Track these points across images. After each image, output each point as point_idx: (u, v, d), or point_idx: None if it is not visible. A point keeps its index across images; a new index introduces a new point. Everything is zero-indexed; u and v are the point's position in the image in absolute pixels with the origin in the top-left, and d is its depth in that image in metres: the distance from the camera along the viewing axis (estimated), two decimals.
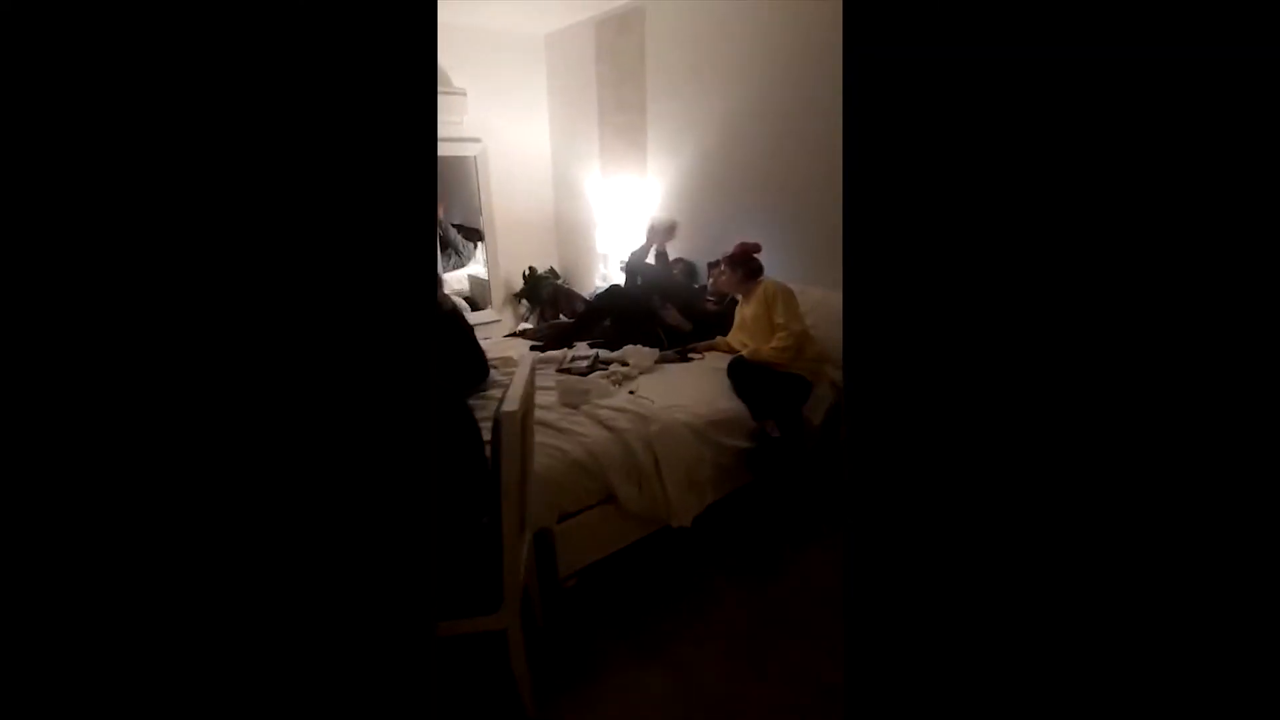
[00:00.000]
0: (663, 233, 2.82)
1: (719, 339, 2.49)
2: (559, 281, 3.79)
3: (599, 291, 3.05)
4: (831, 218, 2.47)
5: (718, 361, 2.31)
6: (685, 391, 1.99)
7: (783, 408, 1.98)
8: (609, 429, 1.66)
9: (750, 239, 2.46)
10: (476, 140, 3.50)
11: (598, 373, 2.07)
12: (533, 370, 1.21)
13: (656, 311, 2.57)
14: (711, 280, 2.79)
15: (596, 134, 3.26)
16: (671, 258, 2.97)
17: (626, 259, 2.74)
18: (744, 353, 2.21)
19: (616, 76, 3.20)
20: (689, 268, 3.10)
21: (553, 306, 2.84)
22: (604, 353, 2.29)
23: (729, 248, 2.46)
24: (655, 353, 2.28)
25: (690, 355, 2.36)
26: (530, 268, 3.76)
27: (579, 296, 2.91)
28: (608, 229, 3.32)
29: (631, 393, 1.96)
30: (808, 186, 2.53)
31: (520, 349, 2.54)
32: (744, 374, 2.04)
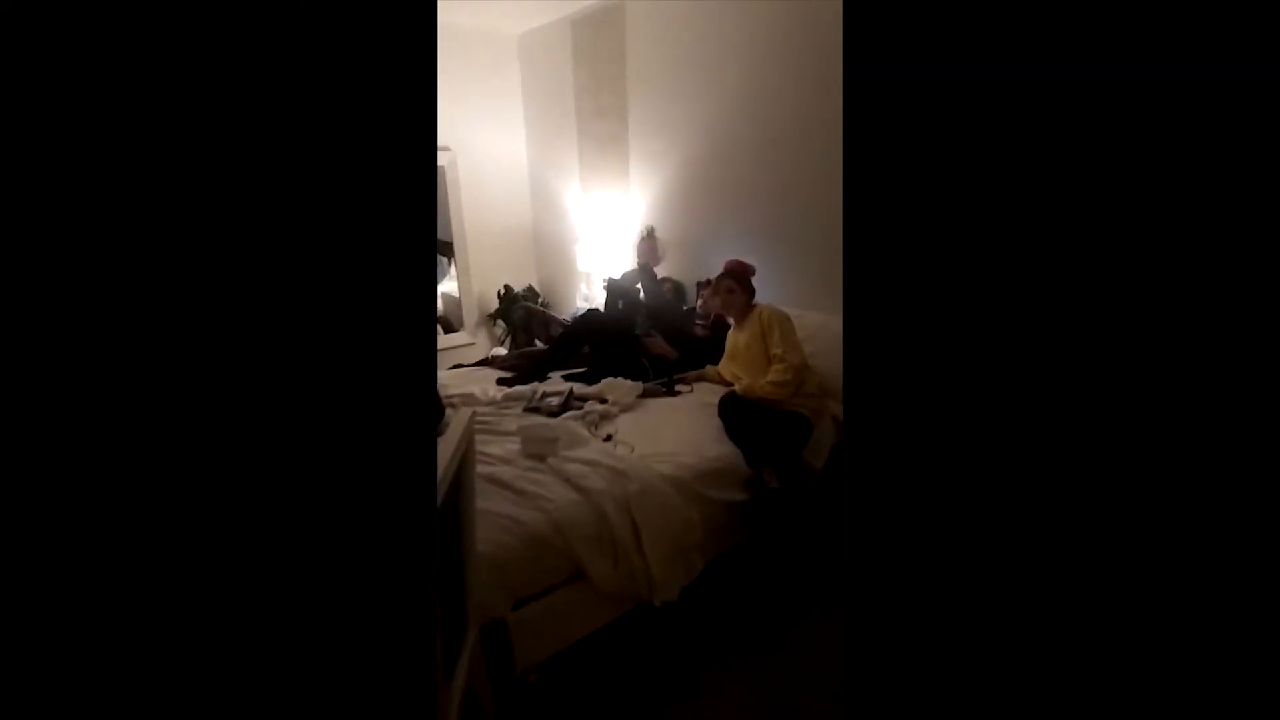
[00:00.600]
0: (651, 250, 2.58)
1: (709, 368, 2.24)
2: (538, 302, 3.53)
3: (578, 314, 2.80)
4: (831, 235, 2.23)
5: (708, 394, 2.06)
6: (671, 435, 1.73)
7: (781, 452, 1.73)
8: (579, 489, 1.39)
9: (742, 259, 2.23)
10: (445, 149, 3.25)
11: (571, 413, 1.81)
12: (468, 435, 0.95)
13: (640, 338, 2.32)
14: (701, 302, 2.54)
15: (575, 143, 3.03)
16: (659, 276, 2.72)
17: (608, 280, 2.49)
18: (736, 387, 1.96)
19: (595, 82, 2.97)
20: (677, 288, 2.85)
21: (526, 331, 2.58)
22: (580, 387, 2.03)
23: (719, 267, 2.22)
24: (638, 386, 2.02)
25: (677, 388, 2.11)
26: (506, 286, 3.50)
27: (556, 320, 2.65)
28: (589, 245, 3.08)
29: (609, 438, 1.70)
30: (805, 200, 2.30)
31: (488, 380, 2.27)
32: (737, 413, 1.78)
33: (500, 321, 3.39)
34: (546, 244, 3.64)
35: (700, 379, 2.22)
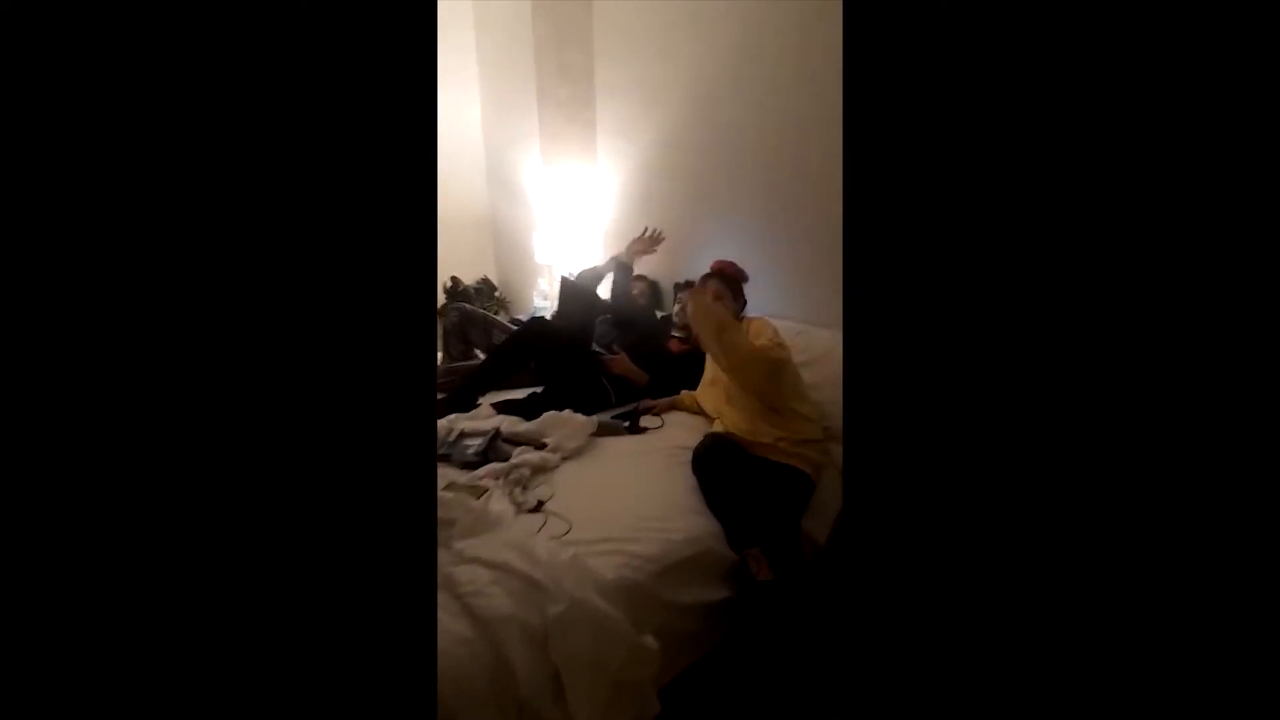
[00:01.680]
0: (645, 245, 2.08)
1: (684, 395, 1.77)
2: (491, 300, 3.02)
3: (532, 318, 2.31)
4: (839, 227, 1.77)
5: (682, 432, 1.59)
6: (627, 503, 1.27)
7: (774, 525, 1.27)
8: (472, 616, 0.92)
9: (729, 257, 1.75)
10: None
11: (490, 466, 1.34)
12: None
13: (600, 355, 1.83)
14: (679, 308, 2.07)
15: (535, 108, 2.51)
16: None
17: (563, 277, 2.00)
18: (717, 427, 1.49)
19: (557, 35, 2.45)
20: (652, 289, 2.37)
21: (461, 339, 2.09)
22: (512, 423, 1.55)
23: (703, 268, 1.74)
24: (590, 424, 1.54)
25: (644, 423, 1.64)
26: (453, 278, 2.98)
27: (500, 325, 2.16)
28: (550, 232, 2.58)
29: (539, 506, 1.23)
30: (813, 186, 1.82)
31: None
32: (717, 470, 1.32)
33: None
34: (506, 229, 3.12)
35: (674, 407, 1.76)
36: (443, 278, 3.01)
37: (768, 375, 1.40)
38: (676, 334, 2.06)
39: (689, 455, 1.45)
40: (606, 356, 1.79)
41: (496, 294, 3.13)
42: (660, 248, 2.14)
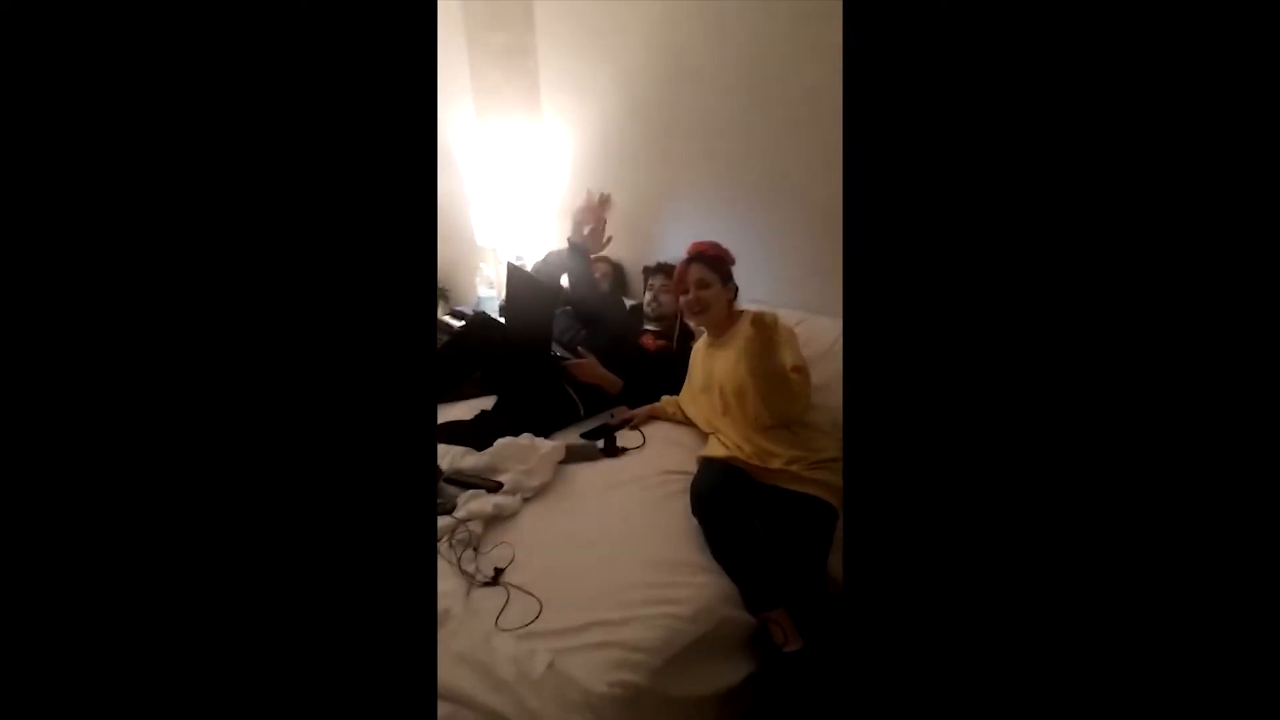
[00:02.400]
0: (589, 215, 1.75)
1: (665, 402, 1.49)
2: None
3: (475, 312, 1.95)
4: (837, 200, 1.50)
5: (672, 452, 1.31)
6: (611, 559, 0.98)
7: (798, 574, 1.02)
8: None
9: (710, 236, 1.45)
10: None
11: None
12: None
13: (562, 360, 1.52)
14: (650, 297, 1.77)
15: (465, 59, 2.11)
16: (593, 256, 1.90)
17: (510, 265, 1.65)
18: (713, 448, 1.22)
19: None
20: (615, 273, 2.05)
21: None
22: (454, 457, 1.21)
23: (676, 248, 1.45)
24: (556, 451, 1.24)
25: (620, 445, 1.34)
26: None
27: (438, 325, 1.81)
28: (491, 207, 2.20)
29: (497, 578, 0.93)
30: (802, 143, 1.54)
31: None
32: (724, 512, 1.05)
33: None
34: (442, 207, 2.70)
35: (654, 417, 1.47)
36: None
37: (808, 401, 1.14)
38: (651, 327, 1.77)
39: (681, 483, 1.18)
40: (571, 360, 1.48)
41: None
42: (628, 226, 1.82)
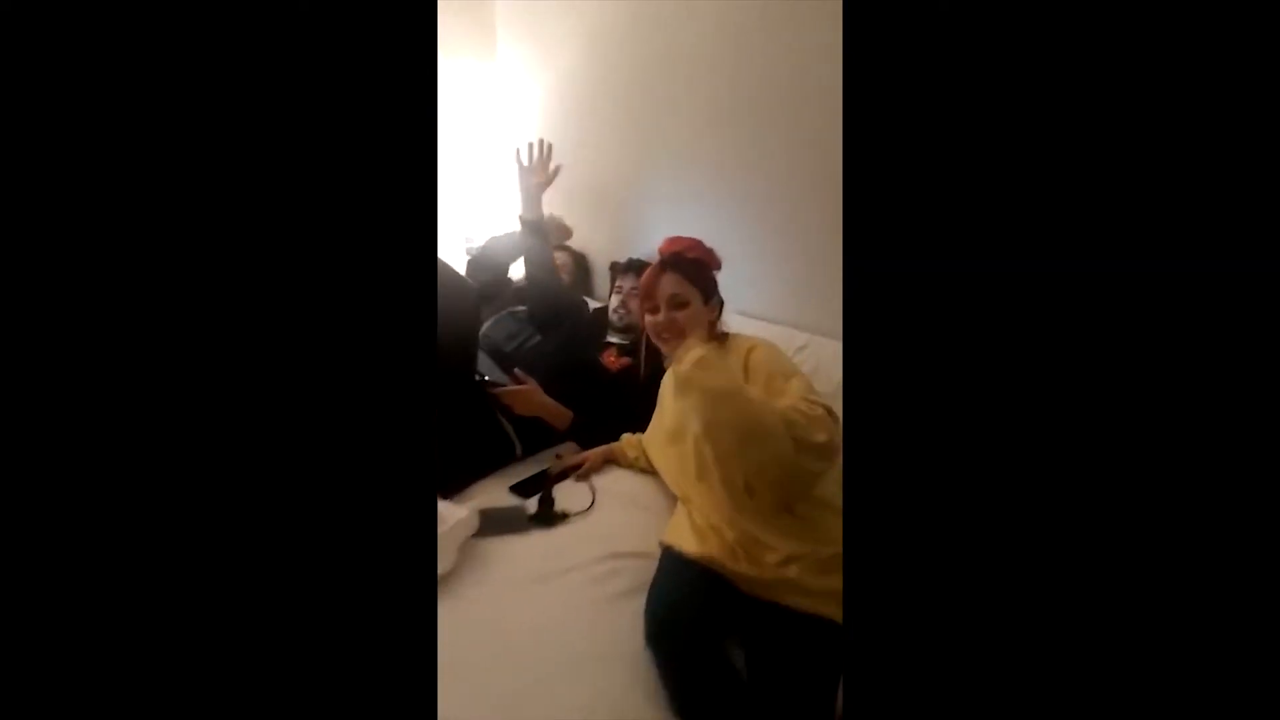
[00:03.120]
0: (536, 176, 1.40)
1: (626, 441, 1.15)
2: None
3: None
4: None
5: (626, 518, 0.99)
6: (533, 692, 0.65)
7: None
8: None
9: (693, 226, 1.11)
10: None
11: None
12: None
13: (490, 386, 1.16)
14: (618, 302, 1.42)
15: None
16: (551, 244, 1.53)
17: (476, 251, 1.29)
18: (682, 533, 0.88)
19: None
20: (577, 264, 1.70)
21: None
22: None
23: (653, 236, 1.09)
24: (466, 524, 0.89)
25: (558, 509, 1.00)
26: None
27: None
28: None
29: None
30: (812, 115, 1.19)
31: None
32: (688, 640, 0.72)
33: None
34: None
35: (609, 461, 1.14)
36: None
37: (821, 466, 0.80)
38: (615, 339, 1.42)
39: (637, 575, 0.85)
40: (504, 389, 1.13)
41: None
42: (594, 210, 1.46)
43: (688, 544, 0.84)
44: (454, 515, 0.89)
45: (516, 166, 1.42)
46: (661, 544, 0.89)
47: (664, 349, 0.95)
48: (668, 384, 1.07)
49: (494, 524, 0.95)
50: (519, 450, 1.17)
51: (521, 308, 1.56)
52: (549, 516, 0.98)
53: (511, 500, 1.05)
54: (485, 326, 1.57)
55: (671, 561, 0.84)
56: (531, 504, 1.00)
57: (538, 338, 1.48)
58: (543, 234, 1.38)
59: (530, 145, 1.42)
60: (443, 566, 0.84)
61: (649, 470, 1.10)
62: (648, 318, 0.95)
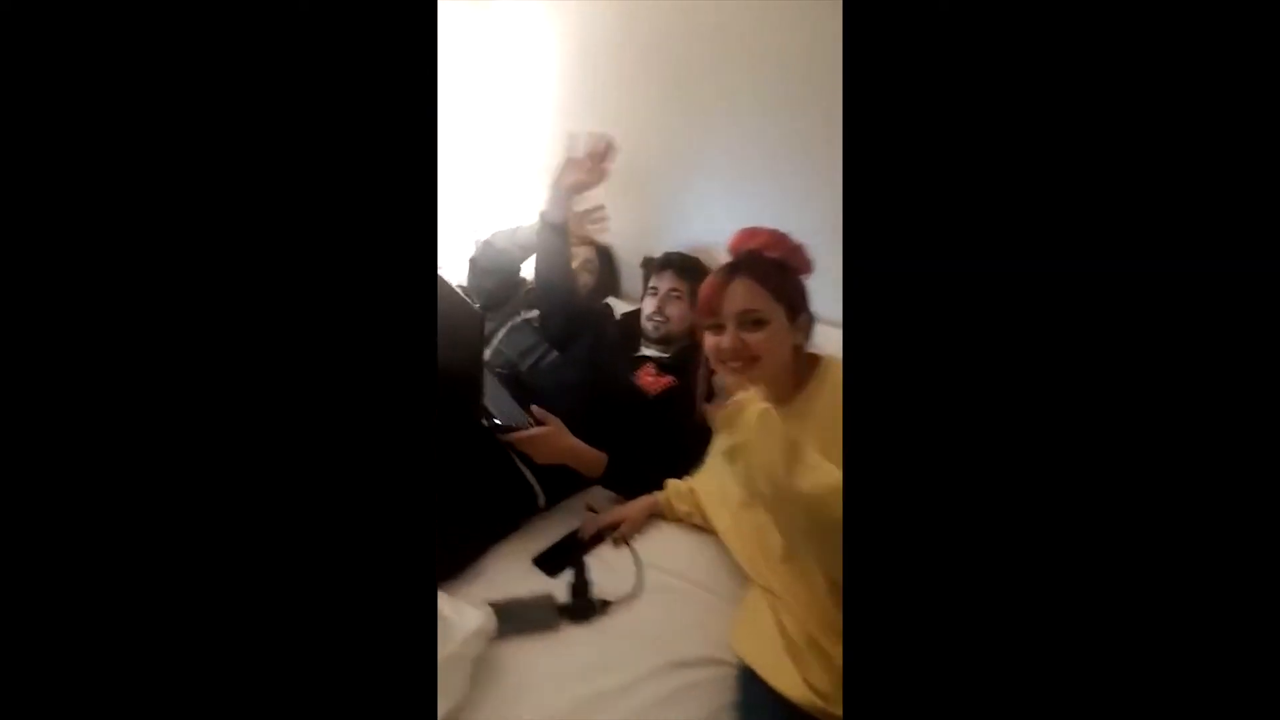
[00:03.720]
0: (584, 171, 1.11)
1: (672, 490, 0.92)
2: None
3: None
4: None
5: (689, 607, 0.76)
6: None
7: None
8: None
9: (754, 206, 0.85)
10: None
11: None
12: None
13: (503, 432, 0.92)
14: (654, 307, 1.17)
15: None
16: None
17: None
18: (777, 662, 0.64)
19: None
20: (600, 263, 1.44)
21: None
22: None
23: (693, 223, 0.84)
24: (482, 630, 0.67)
25: (595, 596, 0.77)
26: None
27: None
28: (442, 161, 1.58)
29: None
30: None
31: None
32: None
33: None
34: None
35: (653, 515, 0.91)
36: None
37: None
38: (652, 352, 1.18)
39: (714, 696, 0.63)
40: (521, 432, 0.89)
41: None
42: (622, 189, 1.19)
43: (780, 672, 0.61)
44: (464, 621, 0.67)
45: (571, 157, 1.10)
46: (741, 664, 0.66)
47: (729, 380, 0.71)
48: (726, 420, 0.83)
49: (515, 620, 0.72)
50: (542, 501, 0.95)
51: (536, 313, 1.33)
52: (585, 606, 0.75)
53: (534, 575, 0.83)
54: (497, 339, 1.34)
55: (757, 694, 0.61)
56: (561, 584, 0.78)
57: (554, 352, 1.24)
58: (564, 236, 1.13)
59: (590, 136, 1.10)
60: (450, 700, 0.62)
61: (703, 524, 0.88)
62: (709, 337, 0.71)
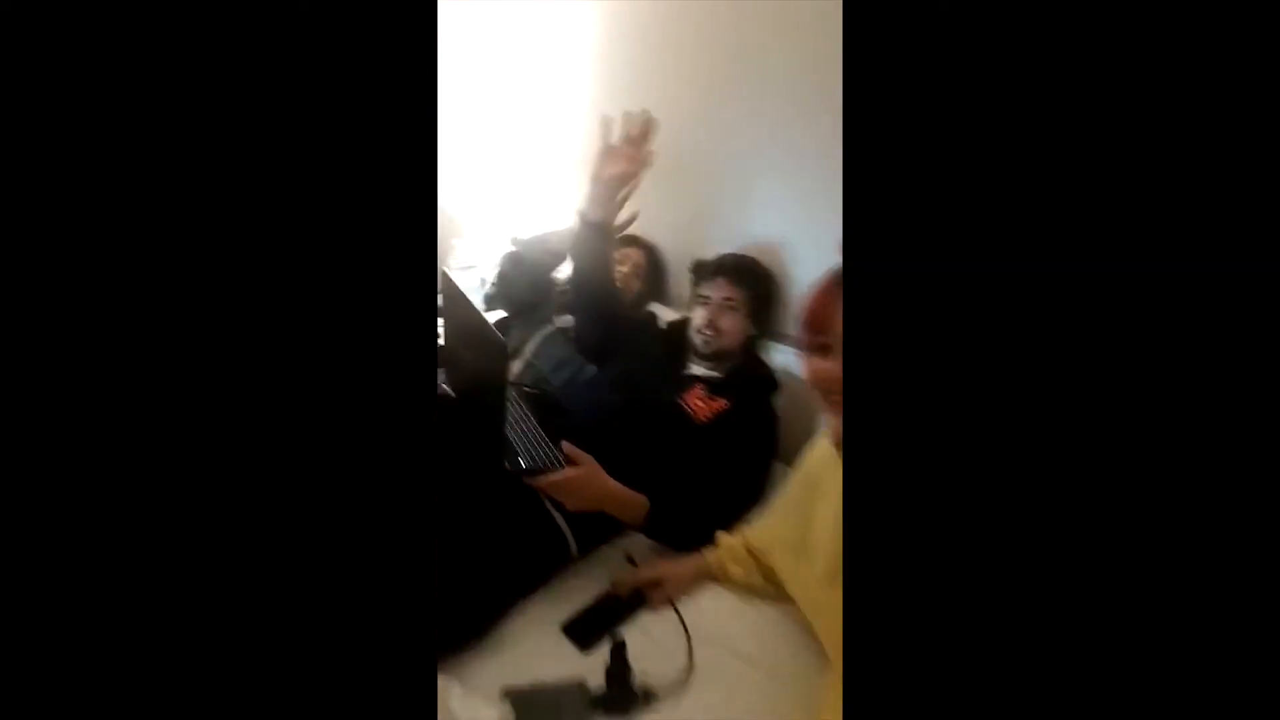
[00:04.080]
0: (623, 162, 0.95)
1: (725, 552, 0.76)
2: None
3: None
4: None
5: (759, 704, 0.62)
6: None
7: None
8: None
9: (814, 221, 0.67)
10: None
11: None
12: None
13: (529, 475, 0.79)
14: (705, 319, 1.02)
15: None
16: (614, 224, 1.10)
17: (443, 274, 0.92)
18: None
19: None
20: (647, 265, 1.28)
21: None
22: None
23: (753, 221, 0.68)
24: None
25: (639, 685, 0.63)
26: None
27: None
28: (466, 155, 1.46)
29: None
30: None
31: None
32: None
33: None
34: None
35: (703, 578, 0.76)
36: None
37: None
38: (702, 370, 1.03)
39: None
40: (551, 476, 0.76)
41: None
42: (668, 182, 1.03)
43: None
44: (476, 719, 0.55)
45: (606, 146, 0.93)
46: None
47: (832, 411, 0.56)
48: (824, 462, 0.68)
49: (539, 715, 0.60)
50: (574, 549, 0.82)
51: (570, 319, 1.19)
52: (625, 697, 0.62)
53: (563, 647, 0.70)
54: (528, 350, 1.21)
55: None
56: (595, 665, 0.65)
57: (589, 367, 1.11)
58: (606, 237, 0.98)
59: (626, 117, 0.92)
60: None
61: (769, 593, 0.73)
62: (813, 361, 0.56)
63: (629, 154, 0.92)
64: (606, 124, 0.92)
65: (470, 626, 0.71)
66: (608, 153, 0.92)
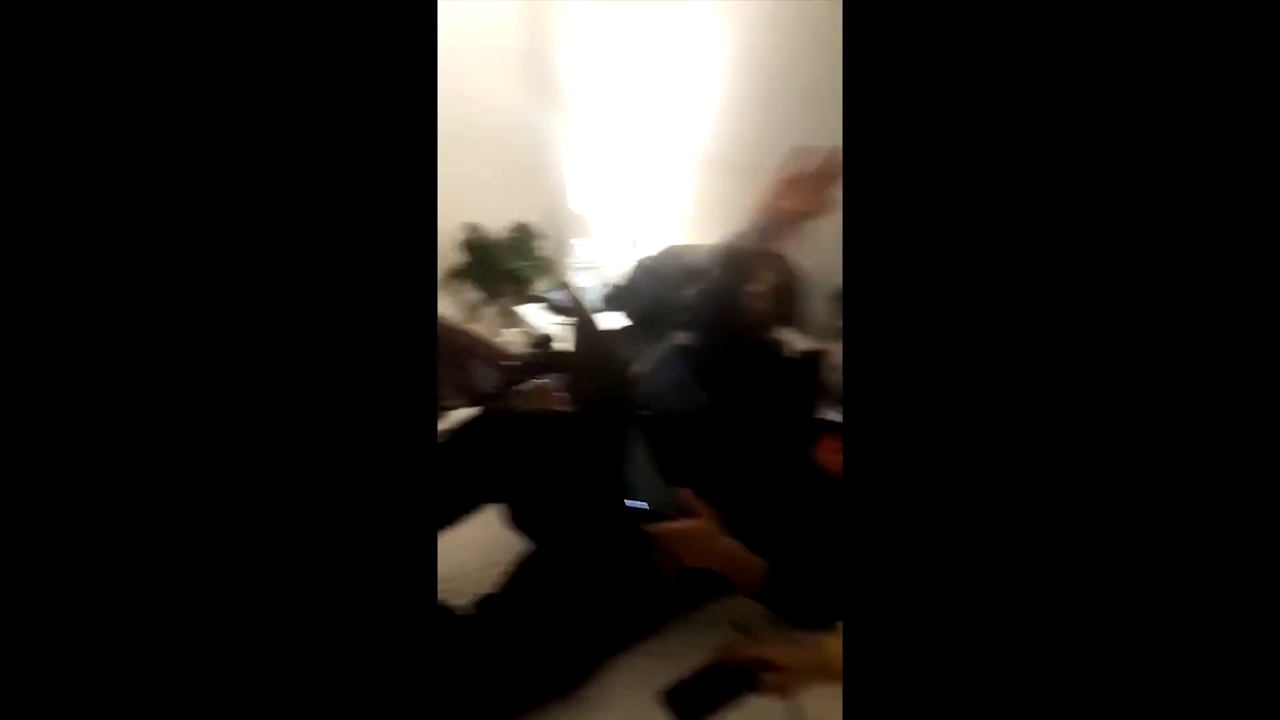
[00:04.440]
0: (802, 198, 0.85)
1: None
2: (511, 270, 1.94)
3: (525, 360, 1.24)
4: None
5: None
6: None
7: None
8: None
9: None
10: None
11: None
12: None
13: (645, 521, 0.73)
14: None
15: None
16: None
17: (566, 289, 0.88)
18: None
19: None
20: (783, 288, 1.17)
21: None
22: None
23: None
24: None
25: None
26: (470, 227, 1.92)
27: (485, 349, 1.13)
28: (593, 146, 1.43)
29: None
30: None
31: None
32: None
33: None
34: (539, 141, 1.96)
35: (822, 673, 0.66)
36: (449, 220, 1.97)
37: None
38: (837, 416, 0.91)
39: None
40: (667, 525, 0.70)
41: (536, 251, 2.03)
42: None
43: None
44: None
45: (787, 173, 0.83)
46: None
47: None
48: None
49: None
50: (684, 602, 0.76)
51: (690, 336, 1.12)
52: None
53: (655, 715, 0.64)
54: (647, 364, 1.16)
55: None
56: None
57: (703, 392, 1.03)
58: (739, 267, 0.89)
59: (816, 152, 0.82)
60: None
61: None
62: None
63: (812, 191, 0.82)
64: (797, 154, 0.82)
65: (562, 678, 0.68)
66: (789, 183, 0.83)
